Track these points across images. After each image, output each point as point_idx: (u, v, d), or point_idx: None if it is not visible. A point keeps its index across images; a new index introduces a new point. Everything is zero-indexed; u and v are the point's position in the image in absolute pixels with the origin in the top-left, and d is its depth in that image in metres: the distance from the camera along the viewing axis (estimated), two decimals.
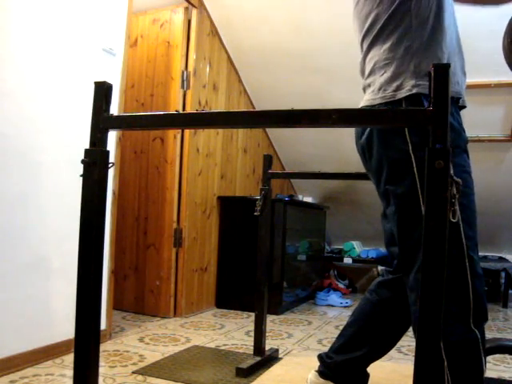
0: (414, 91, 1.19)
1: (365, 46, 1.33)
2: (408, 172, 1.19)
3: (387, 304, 1.48)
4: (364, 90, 1.36)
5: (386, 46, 1.25)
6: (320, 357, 1.58)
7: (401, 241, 1.26)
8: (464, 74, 1.31)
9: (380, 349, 1.52)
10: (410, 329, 1.43)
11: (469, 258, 1.15)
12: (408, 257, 1.23)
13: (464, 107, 1.30)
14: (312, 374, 1.58)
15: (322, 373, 1.55)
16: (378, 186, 1.31)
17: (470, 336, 1.14)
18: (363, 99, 1.34)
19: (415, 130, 1.18)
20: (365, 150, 1.33)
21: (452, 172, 1.12)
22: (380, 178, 1.28)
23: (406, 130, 1.19)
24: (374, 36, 1.28)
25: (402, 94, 1.20)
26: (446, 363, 1.12)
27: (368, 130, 1.30)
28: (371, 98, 1.28)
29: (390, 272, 1.50)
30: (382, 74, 1.25)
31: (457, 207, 0.81)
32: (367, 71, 1.32)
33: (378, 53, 1.27)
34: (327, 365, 1.54)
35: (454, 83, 1.23)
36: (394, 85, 1.22)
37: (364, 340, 1.49)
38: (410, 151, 1.18)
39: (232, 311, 3.26)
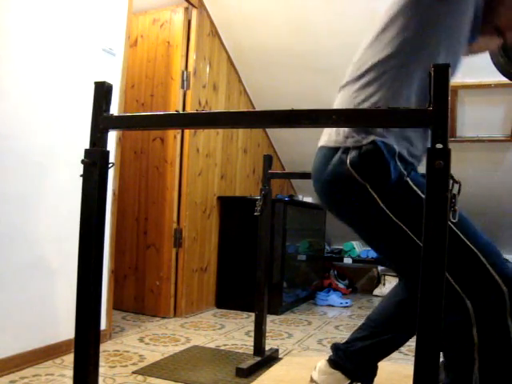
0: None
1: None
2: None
3: None
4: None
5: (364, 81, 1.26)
6: (334, 345, 1.56)
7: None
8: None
9: (402, 337, 1.50)
10: None
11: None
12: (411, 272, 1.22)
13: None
14: (321, 363, 1.55)
15: (332, 361, 1.53)
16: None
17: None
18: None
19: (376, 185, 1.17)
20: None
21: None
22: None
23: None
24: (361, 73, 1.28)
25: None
26: (477, 365, 1.09)
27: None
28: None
29: None
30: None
31: (457, 207, 0.80)
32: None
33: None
34: (340, 352, 1.51)
35: (408, 155, 1.20)
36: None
37: (392, 325, 1.48)
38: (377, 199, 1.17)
39: (232, 311, 3.26)
